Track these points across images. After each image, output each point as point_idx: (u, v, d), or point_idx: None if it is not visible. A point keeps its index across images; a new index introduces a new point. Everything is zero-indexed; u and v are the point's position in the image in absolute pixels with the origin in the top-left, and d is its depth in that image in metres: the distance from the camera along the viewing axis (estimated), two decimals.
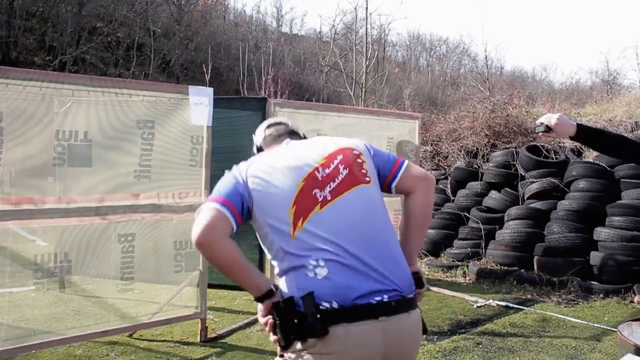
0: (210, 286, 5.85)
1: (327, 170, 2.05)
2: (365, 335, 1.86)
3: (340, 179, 2.04)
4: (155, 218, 4.54)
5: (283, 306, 1.87)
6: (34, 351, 4.25)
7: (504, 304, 6.19)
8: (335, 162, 2.08)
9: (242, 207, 2.01)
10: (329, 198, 2.00)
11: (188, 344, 4.80)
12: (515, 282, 7.00)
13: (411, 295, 2.00)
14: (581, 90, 29.30)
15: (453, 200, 8.90)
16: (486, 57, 27.88)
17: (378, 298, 1.89)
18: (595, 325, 5.45)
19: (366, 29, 16.05)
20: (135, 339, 4.83)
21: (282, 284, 1.98)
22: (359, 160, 2.11)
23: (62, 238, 4.14)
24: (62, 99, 3.93)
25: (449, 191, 8.99)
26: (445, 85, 34.09)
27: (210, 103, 4.72)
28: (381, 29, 25.90)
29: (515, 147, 8.89)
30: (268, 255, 2.09)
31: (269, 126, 2.45)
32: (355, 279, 1.89)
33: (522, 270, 7.16)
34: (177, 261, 4.71)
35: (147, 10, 26.42)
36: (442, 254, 8.15)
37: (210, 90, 4.79)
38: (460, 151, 9.34)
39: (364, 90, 15.19)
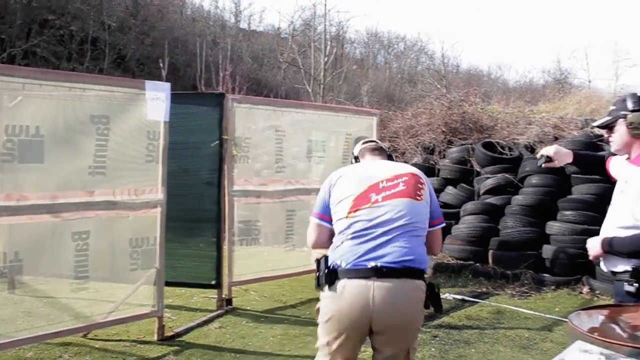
0: (168, 284, 5.76)
1: (389, 184, 2.79)
2: (356, 288, 2.62)
3: (396, 190, 2.77)
4: (110, 215, 4.45)
5: (317, 264, 2.77)
6: None
7: (460, 297, 6.30)
8: (399, 180, 2.81)
9: (328, 210, 2.88)
10: (379, 200, 2.74)
11: (145, 342, 4.74)
12: (471, 275, 7.12)
13: (410, 267, 2.68)
14: (534, 88, 29.97)
15: None
16: (443, 55, 28.26)
17: (373, 264, 2.62)
18: (547, 316, 5.60)
19: (324, 25, 16.09)
20: (90, 339, 4.73)
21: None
22: (419, 185, 2.84)
23: (12, 237, 4.02)
24: (11, 92, 3.81)
25: None
26: (402, 82, 34.32)
27: (168, 98, 4.66)
28: (339, 26, 25.96)
29: (471, 144, 9.03)
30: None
31: (364, 142, 3.29)
32: (364, 250, 2.66)
33: (477, 264, 7.29)
34: (133, 259, 4.63)
35: (102, 4, 25.79)
36: None
37: (168, 85, 4.72)
38: (417, 147, 9.44)
39: (322, 86, 15.19)
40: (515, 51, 61.77)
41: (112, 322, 4.61)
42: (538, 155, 3.29)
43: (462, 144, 9.21)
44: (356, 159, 3.24)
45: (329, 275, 2.69)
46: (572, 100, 11.77)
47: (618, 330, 2.43)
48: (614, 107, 2.92)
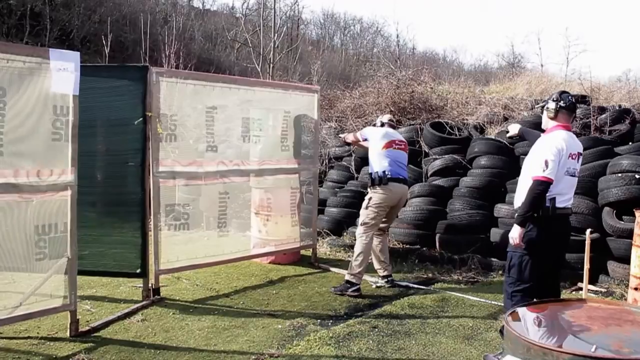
0: (91, 273, 5.35)
1: (399, 142, 6.03)
2: (398, 187, 5.83)
3: (401, 146, 6.02)
4: (9, 199, 3.97)
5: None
6: None
7: (404, 284, 6.03)
8: (402, 142, 6.08)
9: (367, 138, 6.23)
10: (394, 147, 5.93)
11: (55, 339, 4.30)
12: (417, 260, 6.88)
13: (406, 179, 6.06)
14: (489, 72, 30.10)
15: (357, 178, 8.69)
16: (397, 36, 28.02)
17: (401, 176, 5.87)
18: (493, 302, 5.39)
19: (275, 3, 15.61)
20: None
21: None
22: (406, 146, 6.17)
23: None
24: None
25: (353, 168, 8.76)
26: (358, 64, 34.05)
27: (77, 69, 4.18)
28: (293, 6, 25.41)
29: (420, 124, 8.77)
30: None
31: (389, 120, 6.29)
32: (396, 169, 5.85)
33: (424, 249, 7.05)
34: (40, 247, 4.16)
35: None
36: (345, 233, 7.93)
37: (77, 54, 4.24)
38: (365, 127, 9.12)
39: (272, 66, 14.72)
40: (471, 35, 62.18)
41: (18, 317, 4.14)
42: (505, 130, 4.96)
43: (410, 124, 8.95)
44: (382, 124, 6.15)
45: (383, 179, 5.73)
46: (523, 81, 11.64)
47: (559, 331, 2.14)
48: (548, 97, 4.23)
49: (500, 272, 6.35)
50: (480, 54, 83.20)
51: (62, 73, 4.09)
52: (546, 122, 4.12)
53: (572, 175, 3.98)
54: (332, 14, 42.96)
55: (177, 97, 5.32)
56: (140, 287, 5.43)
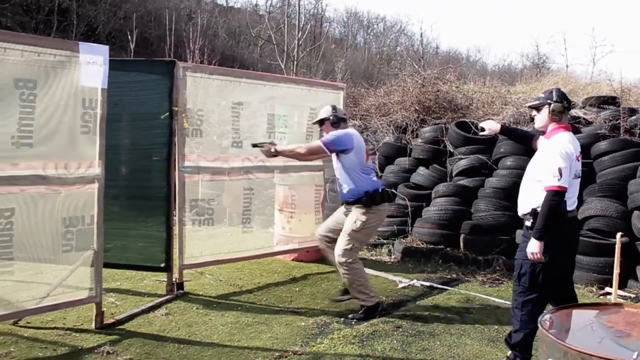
0: (116, 266, 5.38)
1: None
2: (387, 205, 5.08)
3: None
4: (39, 191, 3.99)
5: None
6: None
7: (428, 284, 5.97)
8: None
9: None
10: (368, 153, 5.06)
11: (81, 331, 4.33)
12: (440, 261, 6.80)
13: None
14: (513, 72, 29.74)
15: (381, 177, 8.62)
16: (421, 35, 27.83)
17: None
18: None
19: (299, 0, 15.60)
20: (21, 327, 4.32)
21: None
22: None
23: None
24: None
25: (377, 167, 8.70)
26: (381, 63, 33.91)
27: (106, 63, 4.19)
28: (317, 3, 25.35)
29: (445, 123, 8.67)
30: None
31: (344, 113, 5.26)
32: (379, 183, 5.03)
33: (447, 249, 6.97)
34: (67, 239, 4.19)
35: None
36: None
37: (105, 48, 4.25)
38: (389, 126, 9.06)
39: (295, 63, 14.70)
40: (495, 35, 61.54)
41: (45, 308, 4.19)
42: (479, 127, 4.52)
43: (435, 124, 8.86)
44: (338, 120, 5.05)
45: (378, 198, 4.88)
46: (550, 82, 11.45)
47: (596, 336, 2.08)
48: (542, 95, 3.97)
49: None
50: (504, 54, 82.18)
51: (91, 66, 4.11)
52: (546, 123, 3.89)
53: (578, 177, 3.88)
54: (356, 13, 42.77)
55: (202, 92, 5.32)
56: (164, 281, 5.45)
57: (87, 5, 25.38)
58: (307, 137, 6.37)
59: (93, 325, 4.38)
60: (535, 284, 3.75)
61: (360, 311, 4.91)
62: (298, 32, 15.16)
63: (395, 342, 4.32)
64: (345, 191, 4.96)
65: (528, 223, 3.82)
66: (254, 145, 5.00)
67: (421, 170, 8.21)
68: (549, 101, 3.84)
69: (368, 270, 5.80)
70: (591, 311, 2.41)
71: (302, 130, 6.35)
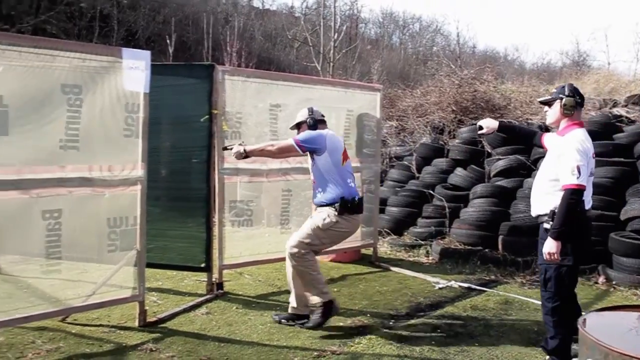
0: (157, 266, 5.50)
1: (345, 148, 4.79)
2: (362, 216, 4.80)
3: (347, 154, 4.74)
4: (85, 192, 4.12)
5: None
6: None
7: (466, 285, 5.94)
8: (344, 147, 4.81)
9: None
10: (348, 156, 4.75)
11: (125, 328, 4.44)
12: (479, 262, 6.75)
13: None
14: (552, 70, 29.23)
15: (418, 178, 8.61)
16: (458, 34, 27.58)
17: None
18: None
19: (333, 0, 15.66)
20: (69, 323, 4.46)
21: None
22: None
23: None
24: None
25: (414, 168, 8.70)
26: (418, 63, 33.71)
27: (148, 68, 4.30)
28: (352, 5, 25.38)
29: None
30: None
31: (322, 114, 4.86)
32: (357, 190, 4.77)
33: (486, 250, 6.92)
34: (111, 240, 4.31)
35: None
36: (406, 233, 7.88)
37: (147, 53, 4.37)
38: (427, 127, 9.04)
39: (332, 64, 14.76)
40: (533, 33, 60.42)
41: (91, 306, 4.31)
42: (477, 126, 4.40)
43: (473, 124, 8.79)
44: (315, 122, 4.72)
45: (356, 206, 4.60)
46: (590, 80, 11.25)
47: (639, 338, 2.07)
48: (555, 90, 3.88)
49: None
50: (543, 52, 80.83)
51: (133, 71, 4.22)
52: (558, 119, 3.80)
53: (592, 176, 3.78)
54: (391, 13, 42.68)
55: (240, 95, 5.41)
56: (204, 281, 5.55)
57: (127, 10, 25.91)
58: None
59: (136, 323, 4.49)
60: (562, 288, 3.72)
61: (316, 312, 4.59)
62: (334, 34, 15.23)
63: (433, 343, 4.32)
64: (319, 195, 4.62)
65: (547, 225, 3.71)
66: (224, 149, 4.84)
67: (459, 171, 8.17)
68: (560, 96, 3.75)
69: (406, 272, 5.83)
70: (634, 313, 2.38)
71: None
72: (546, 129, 3.99)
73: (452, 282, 6.00)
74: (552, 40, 62.55)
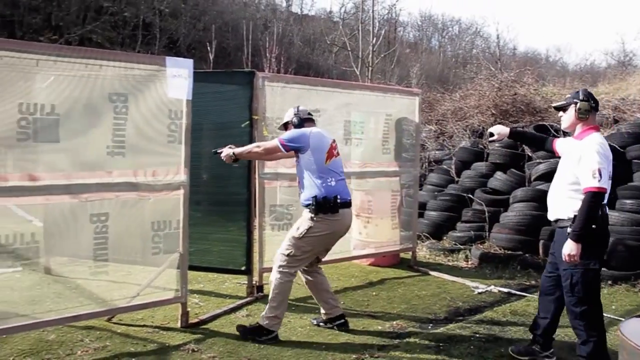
0: (199, 269, 5.63)
1: (334, 144, 4.53)
2: (348, 213, 4.44)
3: (335, 152, 4.49)
4: (130, 197, 4.27)
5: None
6: (4, 336, 4.02)
7: (505, 290, 5.90)
8: (335, 145, 4.55)
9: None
10: (335, 155, 4.48)
11: (168, 329, 4.56)
12: (519, 267, 6.70)
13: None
14: (596, 71, 28.63)
15: (457, 182, 8.57)
16: (498, 37, 27.26)
17: (350, 198, 4.48)
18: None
19: (372, 4, 15.67)
20: (114, 323, 4.60)
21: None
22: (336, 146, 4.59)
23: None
24: (24, 69, 3.66)
25: (453, 172, 8.65)
26: (457, 66, 33.46)
27: (190, 75, 4.43)
28: (391, 8, 25.37)
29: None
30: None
31: (308, 112, 4.76)
32: (345, 188, 4.48)
33: (526, 255, 6.85)
34: (155, 242, 4.45)
35: None
36: (445, 237, 7.85)
37: (190, 61, 4.49)
38: (466, 130, 8.99)
39: (371, 69, 14.79)
40: (576, 33, 59.36)
41: (135, 307, 4.45)
42: (487, 133, 4.41)
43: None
44: (302, 120, 4.61)
45: (333, 205, 4.33)
46: (636, 81, 11.00)
47: None
48: (569, 95, 3.92)
49: (609, 281, 6.06)
50: (586, 53, 79.18)
51: (176, 79, 4.35)
52: (573, 123, 3.79)
53: (610, 179, 3.68)
54: (430, 16, 42.58)
55: (280, 100, 5.49)
56: (244, 283, 5.65)
57: (169, 19, 26.46)
58: (384, 143, 6.45)
59: (179, 324, 4.61)
60: (590, 292, 3.70)
61: (253, 325, 4.47)
62: (372, 38, 15.26)
63: (472, 347, 4.31)
64: (301, 195, 4.46)
65: (570, 230, 3.63)
66: (215, 153, 4.69)
67: (498, 174, 8.11)
68: (575, 100, 3.77)
69: (445, 276, 5.81)
70: None
71: (379, 136, 6.43)
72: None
73: (492, 287, 5.97)
74: (596, 40, 61.29)
